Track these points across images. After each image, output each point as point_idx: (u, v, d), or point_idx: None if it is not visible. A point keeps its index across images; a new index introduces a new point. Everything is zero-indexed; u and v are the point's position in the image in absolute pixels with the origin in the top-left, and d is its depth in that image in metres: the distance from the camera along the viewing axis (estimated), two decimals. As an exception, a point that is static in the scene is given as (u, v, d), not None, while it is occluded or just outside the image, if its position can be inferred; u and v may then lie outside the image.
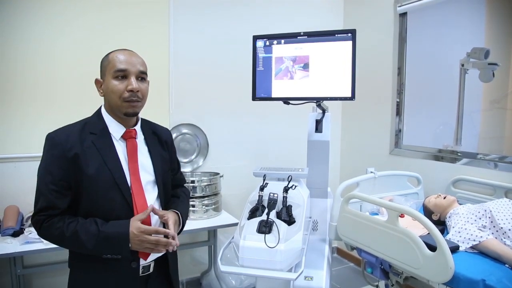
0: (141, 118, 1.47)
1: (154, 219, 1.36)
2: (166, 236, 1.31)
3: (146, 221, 1.32)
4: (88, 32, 2.61)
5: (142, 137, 1.43)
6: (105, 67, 1.33)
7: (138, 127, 1.42)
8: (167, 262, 1.45)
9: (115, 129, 1.35)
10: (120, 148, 1.35)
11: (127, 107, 1.30)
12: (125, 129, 1.36)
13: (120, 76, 1.29)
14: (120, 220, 1.27)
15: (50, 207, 1.26)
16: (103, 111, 1.37)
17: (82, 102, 2.42)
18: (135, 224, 1.25)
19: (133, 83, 1.29)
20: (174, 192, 1.58)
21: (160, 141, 1.50)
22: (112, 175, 1.29)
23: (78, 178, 1.27)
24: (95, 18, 2.62)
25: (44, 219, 1.26)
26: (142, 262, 1.35)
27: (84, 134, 1.31)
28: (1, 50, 2.38)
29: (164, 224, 1.37)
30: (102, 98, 1.37)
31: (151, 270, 1.39)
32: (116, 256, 1.27)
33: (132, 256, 1.30)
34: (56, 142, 1.27)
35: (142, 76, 1.34)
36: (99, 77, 1.36)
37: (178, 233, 1.43)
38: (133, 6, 2.75)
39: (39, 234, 1.30)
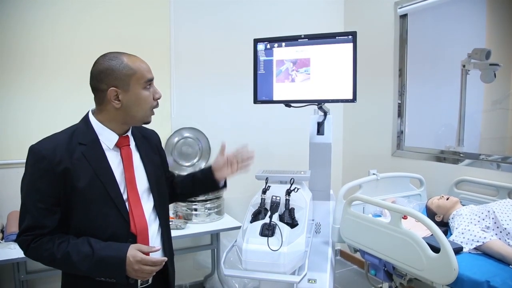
0: None
1: (153, 229, 1.32)
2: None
3: (145, 236, 1.28)
4: (92, 32, 2.63)
5: (134, 143, 1.36)
6: (128, 76, 1.21)
7: (129, 133, 1.35)
8: (167, 273, 1.40)
9: (108, 138, 1.27)
10: (113, 158, 1.27)
11: (150, 116, 1.30)
12: (118, 137, 1.28)
13: (148, 85, 1.26)
14: (117, 243, 1.20)
15: (37, 227, 1.17)
16: (92, 118, 1.27)
17: (86, 105, 2.44)
18: (133, 252, 1.18)
19: (159, 91, 1.29)
20: (178, 177, 1.62)
21: (151, 145, 1.45)
22: (105, 188, 1.21)
23: (67, 193, 1.19)
24: (98, 18, 2.65)
25: (32, 239, 1.17)
26: None
27: (73, 144, 1.21)
28: (4, 50, 2.40)
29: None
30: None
31: (149, 282, 1.34)
32: (111, 280, 1.21)
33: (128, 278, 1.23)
34: (42, 155, 1.17)
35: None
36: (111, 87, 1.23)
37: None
38: (134, 8, 2.76)
39: (26, 254, 1.21)
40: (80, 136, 1.24)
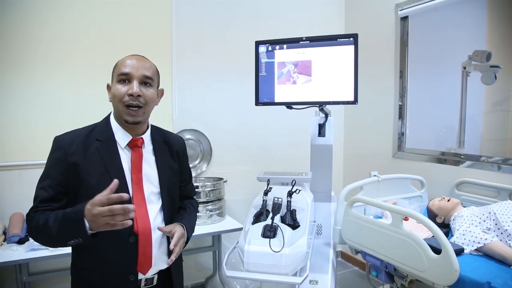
0: (152, 126, 1.43)
1: (158, 233, 1.32)
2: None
3: (148, 236, 1.27)
4: (93, 30, 2.63)
5: (151, 146, 1.38)
6: (113, 71, 1.31)
7: (146, 135, 1.37)
8: (171, 274, 1.40)
9: (121, 137, 1.31)
10: (125, 157, 1.31)
11: (126, 114, 1.26)
12: (131, 137, 1.32)
13: (123, 79, 1.26)
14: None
15: (40, 208, 1.23)
16: (111, 117, 1.34)
17: (87, 106, 2.42)
18: (91, 200, 1.11)
19: (134, 87, 1.24)
20: (182, 203, 1.53)
21: (171, 151, 1.44)
22: None
23: (76, 185, 1.24)
24: (98, 16, 2.66)
25: (32, 215, 1.23)
26: (142, 276, 1.30)
27: (90, 140, 1.28)
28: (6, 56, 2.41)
29: (169, 238, 1.32)
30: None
31: (154, 282, 1.35)
32: (78, 240, 1.13)
33: (122, 268, 1.25)
34: (60, 145, 1.26)
35: (146, 81, 1.28)
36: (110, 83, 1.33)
37: (184, 246, 1.38)
38: (135, 10, 2.77)
39: (27, 230, 1.29)
40: (98, 132, 1.31)
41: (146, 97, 1.28)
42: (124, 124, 1.31)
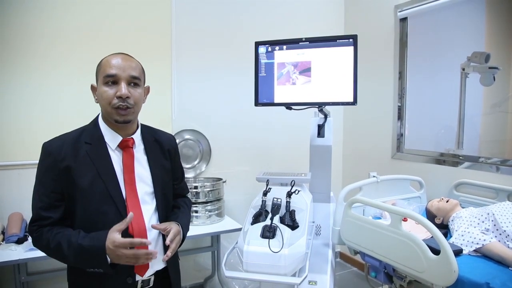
0: (142, 125, 1.42)
1: (154, 233, 1.31)
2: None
3: (143, 237, 1.25)
4: (92, 29, 2.63)
5: (142, 146, 1.37)
6: (97, 72, 1.28)
7: (137, 135, 1.36)
8: (168, 275, 1.39)
9: (111, 138, 1.30)
10: (116, 158, 1.29)
11: (116, 115, 1.25)
12: (121, 138, 1.31)
13: (110, 81, 1.24)
14: (101, 232, 1.19)
15: (40, 218, 1.23)
16: (100, 119, 1.33)
17: (87, 105, 2.43)
18: (111, 237, 1.16)
19: (122, 89, 1.23)
20: (175, 202, 1.52)
21: (162, 150, 1.43)
22: (106, 187, 1.24)
23: (70, 190, 1.23)
24: (98, 15, 2.65)
25: (36, 230, 1.24)
26: (139, 277, 1.30)
27: (79, 143, 1.26)
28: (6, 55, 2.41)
29: (164, 238, 1.31)
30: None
31: (151, 284, 1.34)
32: (98, 270, 1.21)
33: (120, 271, 1.23)
34: (49, 151, 1.24)
35: (134, 81, 1.27)
36: (95, 83, 1.31)
37: (180, 245, 1.37)
38: (135, 9, 2.77)
39: (33, 244, 1.28)
40: (88, 135, 1.29)
41: (135, 97, 1.27)
42: (114, 124, 1.29)
